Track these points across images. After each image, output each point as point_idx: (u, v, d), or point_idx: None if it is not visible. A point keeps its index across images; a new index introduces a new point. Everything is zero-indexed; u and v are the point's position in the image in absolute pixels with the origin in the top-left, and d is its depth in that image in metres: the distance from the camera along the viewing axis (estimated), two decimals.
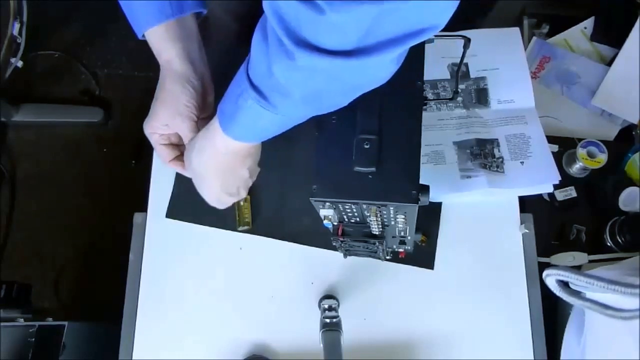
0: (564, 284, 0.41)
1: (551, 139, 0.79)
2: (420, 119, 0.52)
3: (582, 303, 0.40)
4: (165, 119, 0.64)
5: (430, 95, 0.80)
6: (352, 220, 0.58)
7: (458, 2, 0.39)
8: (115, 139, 1.54)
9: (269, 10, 0.39)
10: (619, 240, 0.79)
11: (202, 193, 0.66)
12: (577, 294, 0.41)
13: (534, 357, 0.68)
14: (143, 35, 0.62)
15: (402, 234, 0.61)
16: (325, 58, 0.39)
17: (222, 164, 0.60)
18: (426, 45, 0.55)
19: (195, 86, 0.63)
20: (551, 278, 0.40)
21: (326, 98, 0.47)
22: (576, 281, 0.40)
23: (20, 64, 1.25)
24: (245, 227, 0.74)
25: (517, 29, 0.82)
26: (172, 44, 0.62)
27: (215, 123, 0.56)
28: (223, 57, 0.67)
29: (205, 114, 0.65)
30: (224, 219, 0.74)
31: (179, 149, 0.68)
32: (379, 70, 0.44)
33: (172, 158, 0.68)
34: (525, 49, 0.87)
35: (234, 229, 0.74)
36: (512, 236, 0.73)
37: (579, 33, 1.01)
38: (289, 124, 0.52)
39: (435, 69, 0.80)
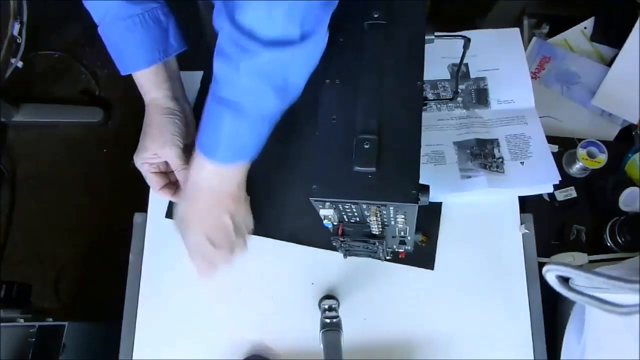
0: (564, 280, 0.41)
1: (551, 139, 0.79)
2: (420, 119, 0.52)
3: (582, 298, 0.40)
4: (155, 150, 0.69)
5: (430, 96, 0.80)
6: (352, 220, 0.58)
7: None
8: (115, 139, 1.55)
9: (227, 25, 0.50)
10: (619, 240, 0.79)
11: (186, 244, 0.67)
12: (577, 290, 0.41)
13: (534, 357, 0.68)
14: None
15: (402, 234, 0.61)
16: (284, 49, 0.49)
17: (204, 207, 0.64)
18: (426, 46, 0.55)
19: (180, 118, 0.69)
20: (551, 274, 0.40)
21: (292, 84, 0.55)
22: (576, 277, 0.40)
23: (20, 64, 1.25)
24: None
25: (517, 29, 0.82)
26: (159, 86, 0.68)
27: (198, 162, 0.62)
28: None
29: (187, 141, 0.70)
30: None
31: (168, 176, 0.73)
32: (322, 43, 0.54)
33: (162, 186, 0.72)
34: (525, 49, 0.87)
35: None
36: (512, 236, 0.73)
37: (579, 33, 1.01)
38: (266, 128, 0.58)
39: (435, 69, 0.80)
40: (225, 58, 0.53)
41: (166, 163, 0.71)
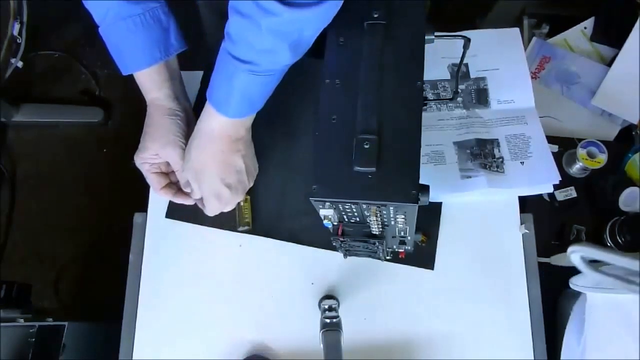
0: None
1: (551, 139, 0.79)
2: (420, 119, 0.52)
3: (607, 279, 0.40)
4: (156, 150, 0.69)
5: (430, 96, 0.80)
6: (352, 220, 0.58)
7: None
8: (115, 139, 1.55)
9: None
10: (619, 240, 0.79)
11: (202, 191, 0.68)
12: (600, 270, 0.41)
13: (534, 357, 0.68)
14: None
15: (402, 234, 0.61)
16: (305, 9, 0.50)
17: (219, 152, 0.64)
18: (426, 46, 0.55)
19: (182, 118, 0.70)
20: (576, 255, 0.40)
21: (305, 39, 0.55)
22: (604, 258, 0.40)
23: (20, 64, 1.25)
24: (246, 227, 0.74)
25: (517, 29, 0.82)
26: (160, 85, 0.68)
27: (208, 113, 0.63)
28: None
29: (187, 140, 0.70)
30: (223, 219, 0.74)
31: (168, 176, 0.73)
32: (337, 5, 0.53)
33: (163, 185, 0.72)
34: (525, 49, 0.87)
35: (234, 229, 0.74)
36: (512, 236, 0.73)
37: (579, 33, 1.01)
38: (275, 80, 0.59)
39: (435, 69, 0.80)
40: (246, 18, 0.52)
41: (167, 163, 0.72)
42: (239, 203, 0.73)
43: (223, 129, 0.63)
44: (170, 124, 0.69)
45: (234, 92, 0.58)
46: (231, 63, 0.56)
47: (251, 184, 0.70)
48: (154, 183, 0.72)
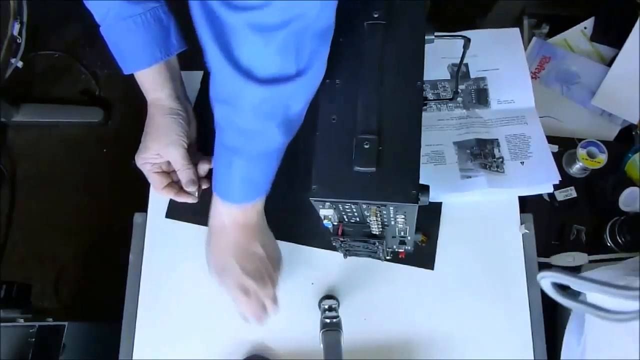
0: (560, 286, 0.41)
1: (551, 139, 0.79)
2: (420, 119, 0.52)
3: (578, 306, 0.40)
4: (158, 149, 0.69)
5: (430, 96, 0.80)
6: (352, 220, 0.58)
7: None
8: (115, 139, 1.54)
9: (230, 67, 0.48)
10: (619, 240, 0.79)
11: (228, 288, 0.64)
12: (572, 297, 0.40)
13: (534, 357, 0.68)
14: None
15: (402, 234, 0.61)
16: (282, 85, 0.49)
17: (234, 243, 0.63)
18: (426, 46, 0.55)
19: (183, 118, 0.70)
20: (546, 280, 0.40)
21: (295, 115, 0.54)
22: (571, 284, 0.40)
23: (20, 64, 1.25)
24: None
25: (517, 29, 0.82)
26: (162, 85, 0.68)
27: (216, 205, 0.63)
28: None
29: (190, 140, 0.71)
30: None
31: (170, 176, 0.73)
32: (320, 73, 0.53)
33: (165, 185, 0.72)
34: (525, 49, 0.87)
35: None
36: (512, 236, 0.73)
37: (579, 33, 1.01)
38: (275, 160, 0.59)
39: (435, 69, 0.80)
40: (225, 103, 0.53)
41: (168, 163, 0.72)
42: None
43: (234, 218, 0.62)
44: (172, 123, 0.68)
45: (234, 179, 0.58)
46: (225, 151, 0.57)
47: (278, 272, 0.66)
48: (156, 183, 0.72)
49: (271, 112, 0.52)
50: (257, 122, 0.53)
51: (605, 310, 0.38)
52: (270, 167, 0.59)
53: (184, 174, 0.71)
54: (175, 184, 0.73)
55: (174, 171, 0.73)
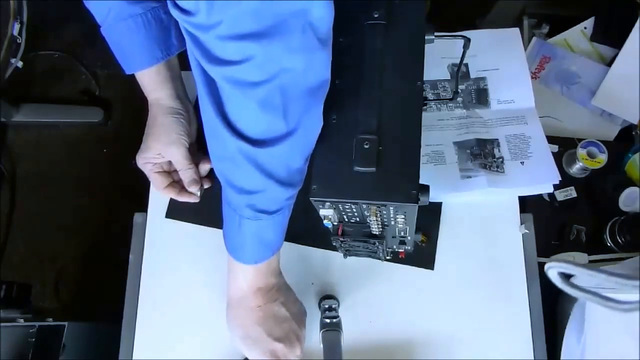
0: (566, 278, 0.41)
1: (551, 139, 0.79)
2: (421, 119, 0.52)
3: (584, 295, 0.40)
4: (159, 149, 0.69)
5: (430, 96, 0.80)
6: (352, 220, 0.58)
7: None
8: (115, 139, 1.54)
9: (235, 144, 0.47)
10: (619, 240, 0.79)
11: (257, 356, 0.62)
12: (579, 287, 0.41)
13: (534, 357, 0.68)
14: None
15: (402, 234, 0.61)
16: (275, 145, 0.47)
17: (256, 310, 0.61)
18: (426, 46, 0.55)
19: (184, 117, 0.70)
20: (553, 270, 0.40)
21: (296, 169, 0.52)
22: (579, 274, 0.40)
23: (20, 64, 1.25)
24: None
25: (517, 29, 0.82)
26: (162, 85, 0.68)
27: (232, 270, 0.61)
28: None
29: (191, 139, 0.71)
30: None
31: (171, 176, 0.73)
32: (317, 126, 0.51)
33: (166, 185, 0.72)
34: (525, 49, 0.87)
35: None
36: (512, 236, 0.73)
37: (579, 33, 1.01)
38: (286, 215, 0.57)
39: (435, 69, 0.80)
40: (224, 161, 0.51)
41: (169, 163, 0.72)
42: None
43: (251, 282, 0.60)
44: (173, 122, 0.68)
45: (245, 240, 0.56)
46: (232, 212, 0.55)
47: (304, 329, 0.65)
48: (157, 183, 0.72)
49: (271, 172, 0.50)
50: (257, 182, 0.50)
51: (611, 300, 0.38)
52: (280, 224, 0.57)
53: (186, 173, 0.71)
54: (176, 184, 0.73)
55: (175, 171, 0.73)
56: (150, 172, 0.71)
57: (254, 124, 0.47)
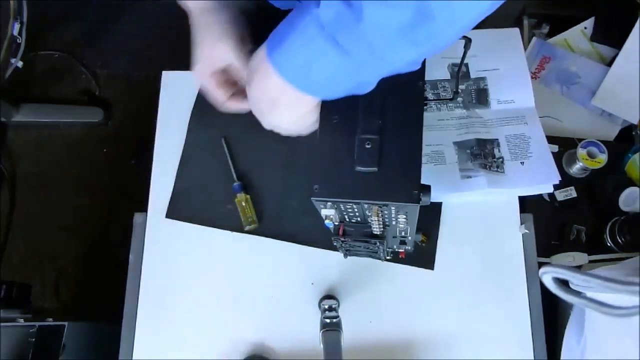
0: (561, 282, 0.41)
1: (551, 139, 0.79)
2: (422, 119, 0.52)
3: (579, 301, 0.40)
4: (208, 52, 0.60)
5: (430, 96, 0.80)
6: (353, 220, 0.58)
7: None
8: (115, 139, 1.54)
9: None
10: (619, 240, 0.79)
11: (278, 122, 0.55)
12: (573, 292, 0.40)
13: (534, 357, 0.68)
14: None
15: (403, 234, 0.61)
16: None
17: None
18: None
19: (229, 11, 0.60)
20: (547, 276, 0.40)
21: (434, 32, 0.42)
22: (573, 279, 0.40)
23: (20, 64, 1.26)
24: (252, 226, 0.73)
25: (517, 29, 0.82)
26: None
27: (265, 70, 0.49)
28: None
29: (241, 30, 0.60)
30: (225, 219, 0.74)
31: (233, 85, 0.63)
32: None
33: (229, 96, 0.63)
34: (525, 49, 0.88)
35: (240, 229, 0.74)
36: (512, 236, 0.73)
37: (579, 33, 1.01)
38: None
39: (435, 69, 0.80)
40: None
41: (225, 73, 0.62)
42: (240, 203, 0.73)
43: (289, 100, 0.51)
44: (217, 18, 0.59)
45: (322, 73, 0.46)
46: (330, 44, 0.43)
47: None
48: (219, 96, 0.62)
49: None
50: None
51: (607, 305, 0.38)
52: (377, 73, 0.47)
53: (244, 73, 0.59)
54: (240, 93, 0.63)
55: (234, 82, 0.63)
56: (209, 87, 0.62)
57: None
